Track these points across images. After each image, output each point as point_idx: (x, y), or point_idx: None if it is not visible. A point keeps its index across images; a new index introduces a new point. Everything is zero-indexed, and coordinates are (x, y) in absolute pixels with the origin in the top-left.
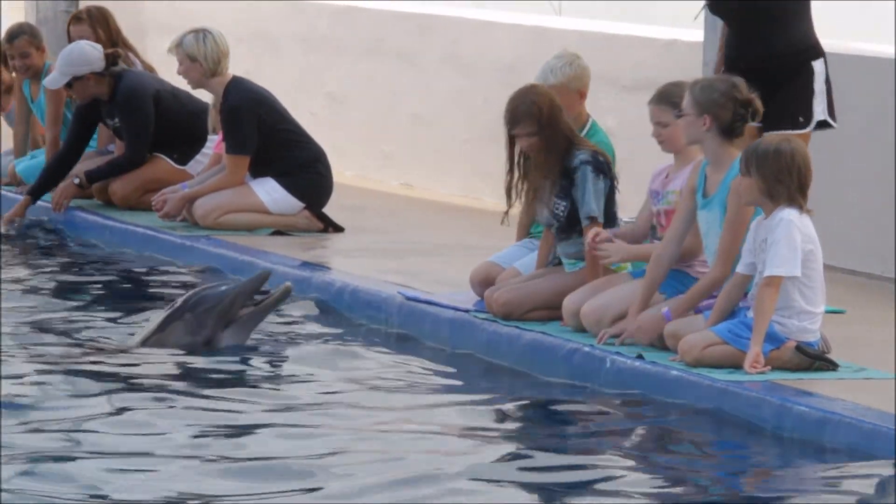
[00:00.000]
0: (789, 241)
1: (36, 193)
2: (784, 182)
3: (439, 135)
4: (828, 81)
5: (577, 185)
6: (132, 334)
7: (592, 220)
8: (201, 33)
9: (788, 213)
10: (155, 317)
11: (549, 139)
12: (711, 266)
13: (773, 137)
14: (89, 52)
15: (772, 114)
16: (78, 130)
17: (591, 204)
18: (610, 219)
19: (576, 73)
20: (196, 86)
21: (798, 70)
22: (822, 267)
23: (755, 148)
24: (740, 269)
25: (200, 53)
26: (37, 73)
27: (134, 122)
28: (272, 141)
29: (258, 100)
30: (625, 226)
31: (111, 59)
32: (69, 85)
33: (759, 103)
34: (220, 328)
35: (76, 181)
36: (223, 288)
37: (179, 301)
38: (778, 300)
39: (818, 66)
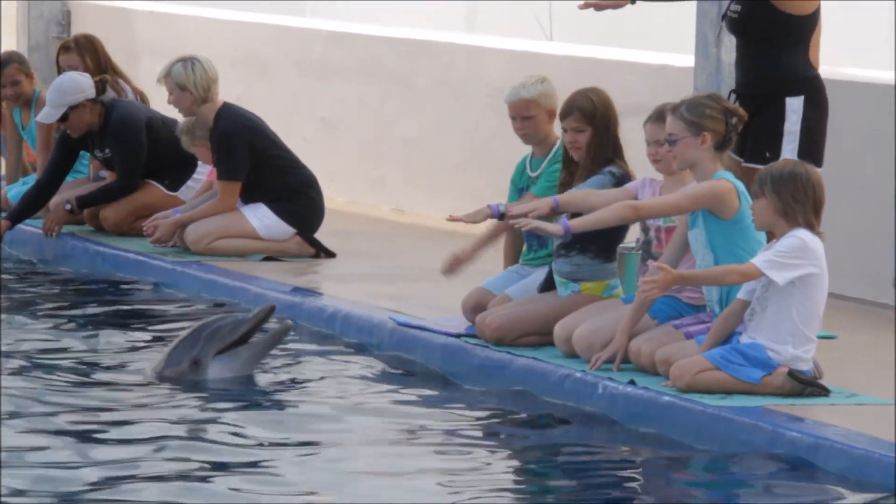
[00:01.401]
0: (791, 251)
1: (15, 219)
2: (800, 201)
3: (431, 158)
4: (811, 121)
5: (586, 183)
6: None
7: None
8: (189, 61)
9: (801, 233)
10: (169, 345)
11: (596, 140)
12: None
13: (786, 161)
14: (81, 80)
15: (749, 145)
16: (59, 159)
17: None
18: (609, 251)
19: (546, 91)
20: (187, 114)
21: (767, 104)
22: (825, 296)
23: (769, 170)
24: (741, 294)
25: (190, 82)
26: (27, 101)
27: (127, 150)
28: (263, 167)
29: (249, 126)
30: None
31: (100, 87)
32: (64, 118)
33: (742, 112)
34: (210, 353)
35: (67, 207)
36: (229, 318)
37: (190, 329)
38: (775, 322)
39: (794, 103)
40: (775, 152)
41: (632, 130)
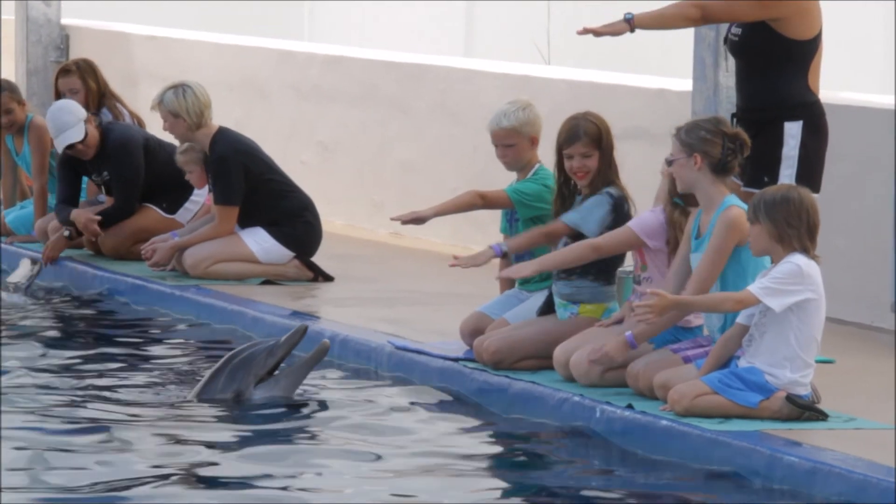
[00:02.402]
0: (787, 277)
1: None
2: (794, 226)
3: (429, 182)
4: (809, 146)
5: (586, 204)
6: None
7: (573, 226)
8: (180, 88)
9: (797, 259)
10: (207, 372)
11: (602, 164)
12: (686, 288)
13: (779, 186)
14: (69, 101)
15: (747, 169)
16: (70, 177)
17: (588, 222)
18: (608, 273)
19: (528, 118)
20: (183, 140)
21: (766, 128)
22: (823, 320)
23: (762, 196)
24: (740, 319)
25: (182, 109)
26: (20, 128)
27: (126, 172)
28: (260, 191)
29: (244, 150)
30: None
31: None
32: (83, 140)
33: (746, 136)
34: (251, 383)
35: (66, 234)
36: (263, 345)
37: (225, 357)
38: (773, 347)
39: (792, 128)
40: (773, 177)
41: (628, 154)
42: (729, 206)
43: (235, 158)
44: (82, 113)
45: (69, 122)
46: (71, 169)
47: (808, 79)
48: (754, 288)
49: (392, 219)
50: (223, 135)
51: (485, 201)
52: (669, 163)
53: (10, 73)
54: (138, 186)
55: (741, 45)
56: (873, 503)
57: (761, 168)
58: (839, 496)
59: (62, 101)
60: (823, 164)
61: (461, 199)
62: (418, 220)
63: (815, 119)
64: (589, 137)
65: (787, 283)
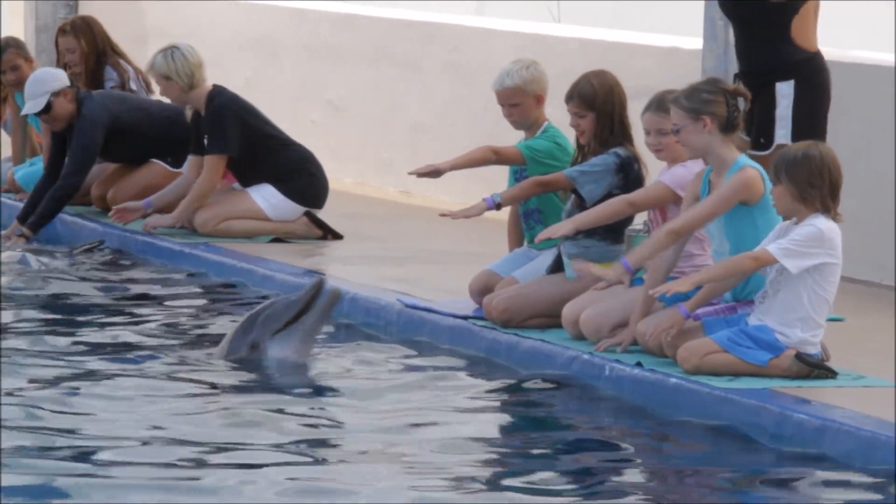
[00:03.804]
0: (807, 240)
1: (35, 227)
2: (816, 186)
3: (439, 142)
4: (804, 104)
5: (590, 161)
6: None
7: (570, 181)
8: (169, 51)
9: (819, 222)
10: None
11: (599, 125)
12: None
13: (799, 144)
14: (54, 71)
15: (749, 131)
16: (56, 153)
17: (586, 180)
18: (617, 233)
19: (533, 76)
20: (180, 102)
21: (759, 91)
22: (837, 283)
23: (783, 155)
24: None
25: (172, 71)
26: None
27: (82, 145)
28: (259, 147)
29: (242, 105)
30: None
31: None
32: (48, 108)
33: (745, 90)
34: (267, 335)
35: (18, 233)
36: (283, 301)
37: (246, 315)
38: (785, 307)
39: (783, 88)
40: (769, 139)
41: (639, 113)
42: (743, 166)
43: (233, 110)
44: (53, 86)
45: (34, 93)
46: (57, 136)
47: (794, 38)
48: (773, 247)
49: (409, 173)
50: (219, 91)
51: (498, 157)
52: (676, 131)
53: (19, 31)
54: (91, 161)
55: (727, 10)
56: (882, 461)
57: (759, 131)
58: (848, 454)
59: (41, 71)
60: (825, 121)
61: (475, 154)
62: (435, 172)
63: (811, 76)
64: (581, 98)
65: (807, 245)
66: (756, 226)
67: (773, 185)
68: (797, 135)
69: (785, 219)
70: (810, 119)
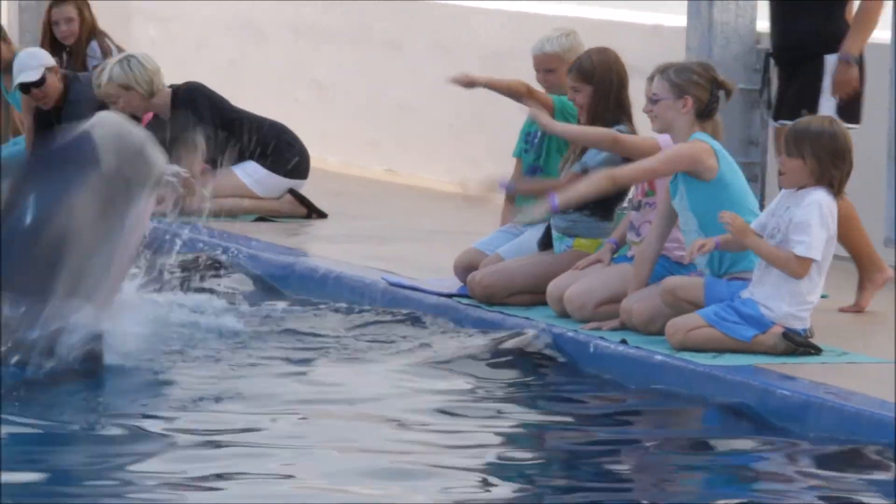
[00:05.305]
0: (823, 224)
1: None
2: (839, 167)
3: (425, 121)
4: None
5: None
6: None
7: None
8: (124, 60)
9: (821, 196)
10: None
11: (595, 100)
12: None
13: (816, 118)
14: (42, 52)
15: (786, 103)
16: (39, 132)
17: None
18: (606, 209)
19: (571, 45)
20: (142, 112)
21: (805, 62)
22: (831, 256)
23: (806, 129)
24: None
25: (132, 79)
26: (8, 66)
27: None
28: (234, 128)
29: (209, 89)
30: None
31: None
32: (41, 82)
33: (732, 85)
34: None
35: None
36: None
37: None
38: (779, 282)
39: (832, 60)
40: (813, 109)
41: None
42: (695, 138)
43: (202, 89)
44: (47, 62)
45: (29, 65)
46: (41, 115)
47: (846, 11)
48: (802, 250)
49: (448, 79)
50: (182, 84)
51: (530, 95)
52: (655, 101)
53: (2, 10)
54: None
55: None
56: (865, 436)
57: (801, 102)
58: (832, 429)
59: (32, 48)
60: (864, 94)
61: (512, 83)
62: (470, 83)
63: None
64: (578, 72)
65: (820, 228)
66: (719, 200)
67: (789, 159)
68: (840, 108)
69: (762, 200)
70: (855, 92)
